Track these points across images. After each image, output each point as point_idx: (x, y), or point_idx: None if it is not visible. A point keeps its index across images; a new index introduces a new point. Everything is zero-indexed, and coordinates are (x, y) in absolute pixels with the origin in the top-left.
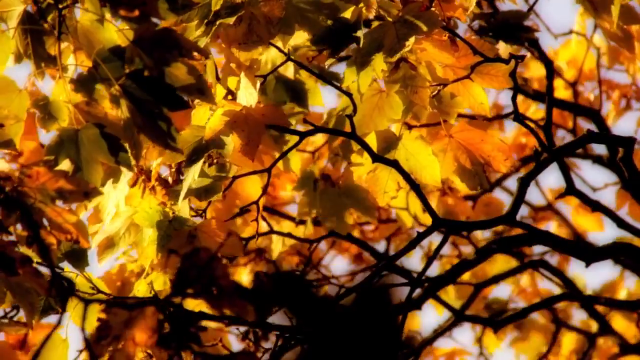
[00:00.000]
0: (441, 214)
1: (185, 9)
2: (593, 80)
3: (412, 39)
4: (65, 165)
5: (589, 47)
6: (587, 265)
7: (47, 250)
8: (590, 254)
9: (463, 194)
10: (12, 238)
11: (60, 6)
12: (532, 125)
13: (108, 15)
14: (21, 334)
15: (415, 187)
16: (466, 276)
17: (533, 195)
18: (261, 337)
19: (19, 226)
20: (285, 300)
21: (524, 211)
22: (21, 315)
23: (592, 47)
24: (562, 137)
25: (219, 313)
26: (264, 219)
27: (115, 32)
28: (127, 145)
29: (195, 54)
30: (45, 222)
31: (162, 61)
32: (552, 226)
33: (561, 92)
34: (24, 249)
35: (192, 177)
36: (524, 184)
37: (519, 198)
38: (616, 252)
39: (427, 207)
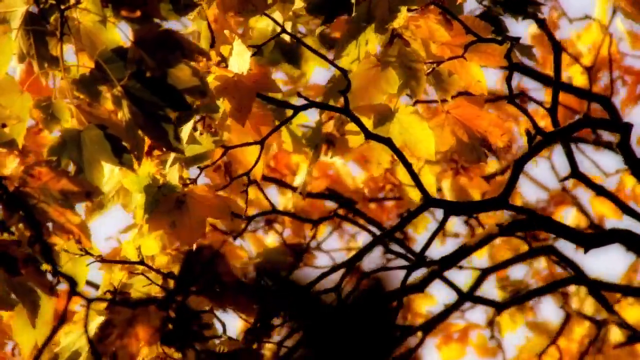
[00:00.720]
0: (455, 193)
1: (187, 9)
2: (612, 64)
3: (404, 9)
4: (68, 166)
5: (606, 33)
6: (586, 251)
7: (50, 249)
8: (589, 240)
9: (478, 174)
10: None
11: (62, 7)
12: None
13: (110, 16)
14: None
15: (408, 164)
16: (480, 256)
17: (550, 180)
18: (264, 334)
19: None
20: (280, 292)
21: (542, 196)
22: None
23: (610, 32)
24: None
25: (222, 310)
26: (264, 194)
27: (118, 33)
28: (129, 146)
29: (196, 55)
30: (47, 222)
31: (164, 62)
32: (570, 212)
33: (578, 77)
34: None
35: (184, 137)
36: (517, 167)
37: (512, 180)
38: (615, 239)
39: (418, 185)
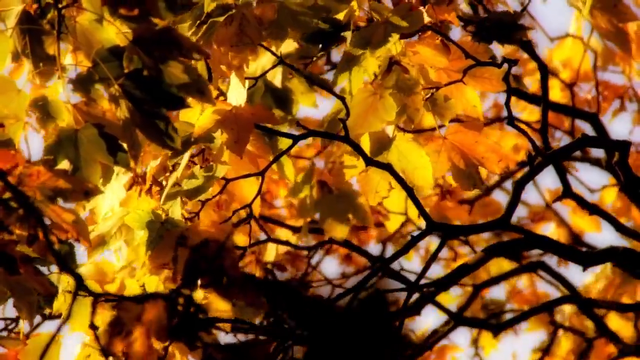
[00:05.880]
0: (436, 218)
1: (184, 9)
2: (589, 81)
3: (397, 35)
4: (64, 165)
5: (585, 49)
6: (584, 269)
7: (54, 247)
8: (587, 257)
9: (460, 198)
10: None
11: (60, 6)
12: (527, 128)
13: (107, 15)
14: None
15: (409, 190)
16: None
17: (531, 196)
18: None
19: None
20: (283, 304)
21: (522, 212)
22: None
23: (588, 49)
24: (559, 138)
25: (230, 303)
26: (260, 226)
27: (114, 32)
28: (125, 145)
29: (195, 54)
30: (45, 221)
31: (162, 61)
32: (550, 227)
33: (557, 92)
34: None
35: (179, 170)
36: (518, 188)
37: (514, 202)
38: (613, 256)
39: (420, 211)
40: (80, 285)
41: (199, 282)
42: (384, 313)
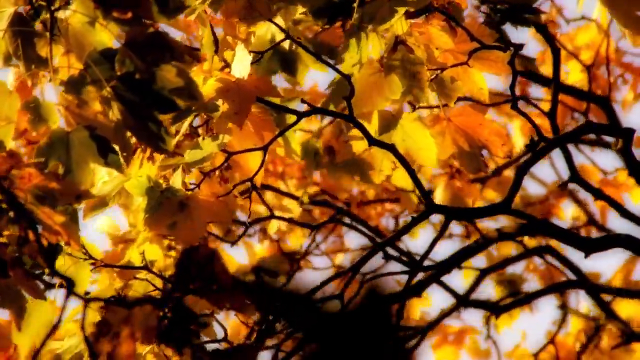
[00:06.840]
0: (449, 196)
1: (177, 11)
2: (611, 63)
3: (402, 10)
4: (55, 167)
5: (606, 32)
6: (587, 255)
7: (45, 248)
8: (589, 244)
9: (471, 177)
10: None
11: (53, 8)
12: (536, 113)
13: (100, 18)
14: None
15: (411, 171)
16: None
17: (549, 175)
18: (265, 334)
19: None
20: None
21: (540, 191)
22: None
23: (606, 32)
24: (577, 119)
25: (219, 309)
26: (262, 201)
27: (107, 35)
28: (117, 148)
29: (187, 57)
30: (37, 223)
31: (154, 64)
32: (570, 206)
33: (577, 75)
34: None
35: (178, 136)
36: (520, 173)
37: (516, 186)
38: (616, 243)
39: (421, 192)
40: (72, 289)
41: (189, 287)
42: (380, 299)
